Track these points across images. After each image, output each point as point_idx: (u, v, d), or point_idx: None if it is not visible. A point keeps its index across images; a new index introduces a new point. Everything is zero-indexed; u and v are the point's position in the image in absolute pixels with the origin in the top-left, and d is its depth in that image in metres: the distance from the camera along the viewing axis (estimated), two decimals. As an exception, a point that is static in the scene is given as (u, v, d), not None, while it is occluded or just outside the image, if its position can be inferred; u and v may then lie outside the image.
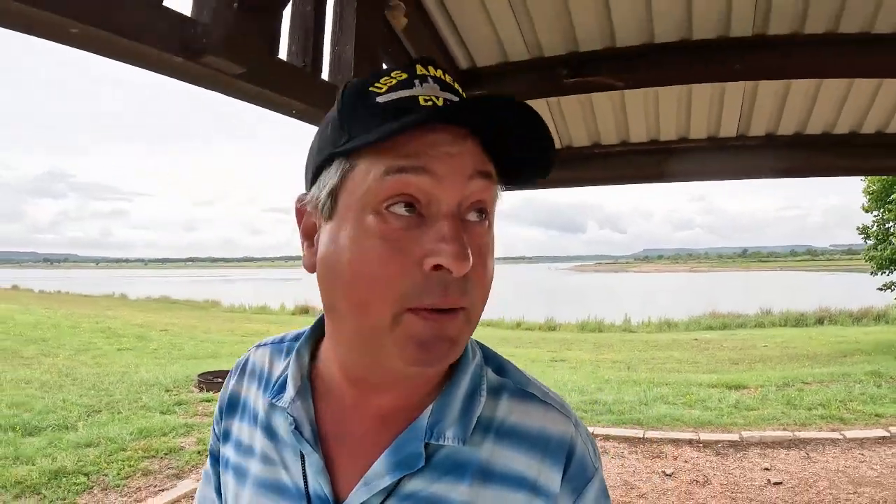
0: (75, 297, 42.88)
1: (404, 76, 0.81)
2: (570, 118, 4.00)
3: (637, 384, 12.27)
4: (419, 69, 0.81)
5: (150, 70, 1.72)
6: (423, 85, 0.81)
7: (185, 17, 1.72)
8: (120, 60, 1.67)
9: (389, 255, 0.76)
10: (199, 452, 7.22)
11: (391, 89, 0.80)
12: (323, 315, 0.96)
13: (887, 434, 8.23)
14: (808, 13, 2.97)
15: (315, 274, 0.87)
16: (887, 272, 17.74)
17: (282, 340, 1.09)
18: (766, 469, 7.23)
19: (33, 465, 6.45)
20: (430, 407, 0.88)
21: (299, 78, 2.25)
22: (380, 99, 0.79)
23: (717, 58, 3.21)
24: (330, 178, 0.82)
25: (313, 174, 0.86)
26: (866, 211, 17.89)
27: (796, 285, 69.81)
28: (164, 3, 1.66)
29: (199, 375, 11.11)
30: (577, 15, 3.06)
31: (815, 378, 12.27)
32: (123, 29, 1.53)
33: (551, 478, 0.88)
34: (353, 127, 0.79)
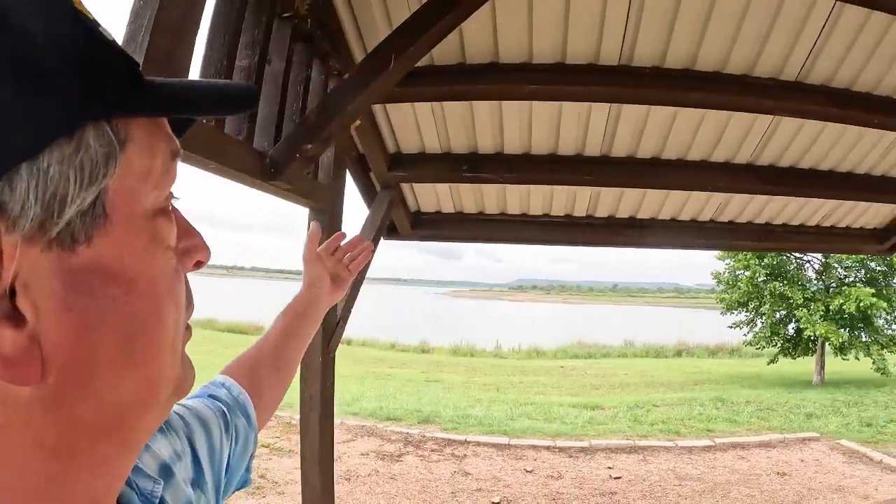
0: None
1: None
2: (463, 195, 5.29)
3: (505, 403, 13.94)
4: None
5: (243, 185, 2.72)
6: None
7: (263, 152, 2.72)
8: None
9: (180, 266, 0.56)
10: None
11: (97, 25, 0.49)
12: None
13: (712, 443, 10.34)
14: (639, 144, 4.39)
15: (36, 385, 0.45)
16: (735, 312, 20.18)
17: None
18: (609, 468, 9.06)
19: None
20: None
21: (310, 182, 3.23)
22: (106, 35, 0.49)
23: (575, 168, 4.53)
24: (81, 165, 0.45)
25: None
26: (719, 259, 20.41)
27: (661, 319, 74.38)
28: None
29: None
30: (478, 127, 4.30)
31: (664, 402, 14.38)
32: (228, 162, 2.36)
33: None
34: (94, 73, 0.46)
